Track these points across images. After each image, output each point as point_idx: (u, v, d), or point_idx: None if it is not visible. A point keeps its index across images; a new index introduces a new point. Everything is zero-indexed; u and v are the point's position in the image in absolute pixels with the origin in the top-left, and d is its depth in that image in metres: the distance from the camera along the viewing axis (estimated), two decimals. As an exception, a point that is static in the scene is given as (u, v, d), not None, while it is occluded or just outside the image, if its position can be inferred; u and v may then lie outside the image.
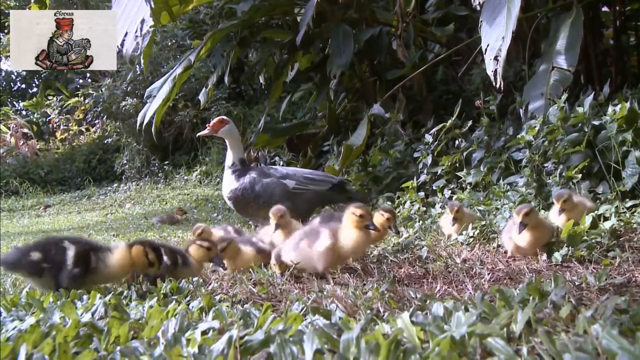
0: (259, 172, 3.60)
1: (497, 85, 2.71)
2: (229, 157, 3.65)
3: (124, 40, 4.36)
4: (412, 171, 3.91)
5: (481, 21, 2.91)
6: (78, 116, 13.15)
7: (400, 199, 3.55)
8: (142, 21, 4.08)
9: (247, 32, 5.35)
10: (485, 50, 2.79)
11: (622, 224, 2.18)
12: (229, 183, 3.60)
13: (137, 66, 9.60)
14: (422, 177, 3.68)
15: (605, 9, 4.76)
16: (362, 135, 3.95)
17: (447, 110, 5.13)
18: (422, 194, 3.40)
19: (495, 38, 2.75)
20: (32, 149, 12.93)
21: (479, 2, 3.08)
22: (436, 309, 1.16)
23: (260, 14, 5.13)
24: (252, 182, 3.53)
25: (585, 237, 1.93)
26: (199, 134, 3.81)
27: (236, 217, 4.88)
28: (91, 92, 10.76)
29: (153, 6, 3.94)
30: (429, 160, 3.67)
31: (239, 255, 2.14)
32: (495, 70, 2.71)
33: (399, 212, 3.35)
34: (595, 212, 2.14)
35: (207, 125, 3.68)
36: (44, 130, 15.04)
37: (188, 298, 1.60)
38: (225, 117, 3.70)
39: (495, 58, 2.71)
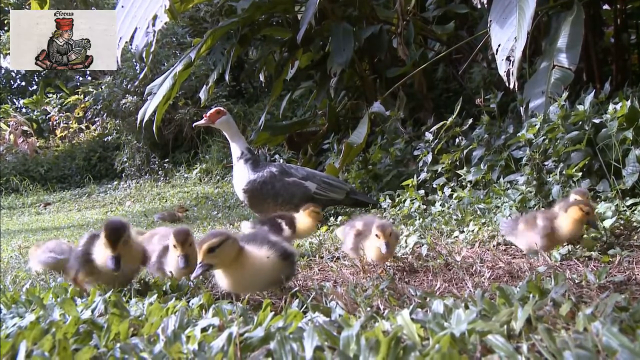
0: (279, 169, 3.51)
1: (512, 86, 2.69)
2: (235, 149, 3.58)
3: (133, 36, 4.28)
4: (412, 169, 3.91)
5: (490, 21, 2.88)
6: (78, 114, 13.17)
7: (401, 197, 3.55)
8: (155, 17, 4.00)
9: (247, 30, 5.34)
10: (497, 50, 2.76)
11: (622, 222, 2.19)
12: (244, 173, 3.48)
13: (137, 64, 9.59)
14: (423, 175, 3.68)
15: (606, 7, 4.75)
16: (362, 134, 3.94)
17: (448, 108, 5.13)
18: (422, 192, 3.39)
19: (507, 38, 2.72)
20: (32, 146, 12.93)
21: (480, 1, 3.07)
22: (436, 306, 1.16)
23: (261, 12, 5.12)
24: (272, 177, 3.43)
25: (585, 236, 1.94)
26: (195, 123, 3.76)
27: (236, 214, 4.88)
28: (91, 89, 10.76)
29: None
30: (429, 158, 3.67)
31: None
32: (509, 71, 2.69)
33: (399, 210, 3.35)
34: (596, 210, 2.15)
35: (204, 115, 3.65)
36: (44, 128, 15.06)
37: (188, 295, 1.61)
38: (222, 108, 3.64)
39: (508, 58, 2.69)
